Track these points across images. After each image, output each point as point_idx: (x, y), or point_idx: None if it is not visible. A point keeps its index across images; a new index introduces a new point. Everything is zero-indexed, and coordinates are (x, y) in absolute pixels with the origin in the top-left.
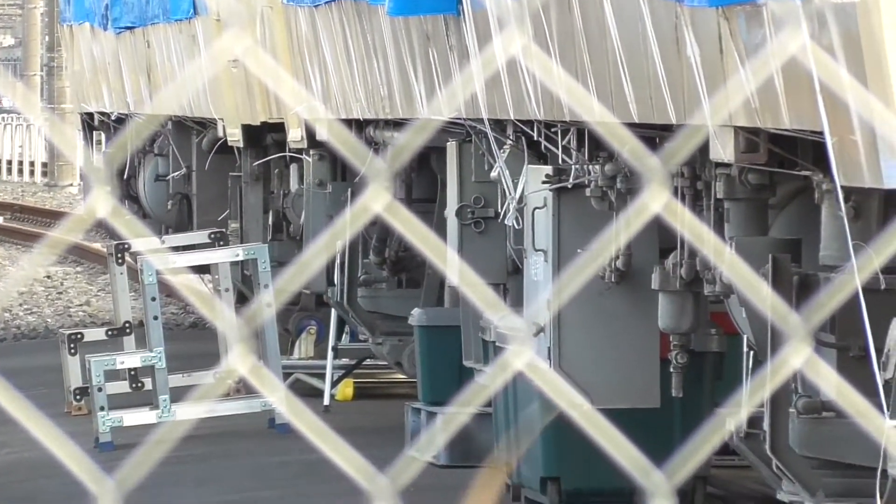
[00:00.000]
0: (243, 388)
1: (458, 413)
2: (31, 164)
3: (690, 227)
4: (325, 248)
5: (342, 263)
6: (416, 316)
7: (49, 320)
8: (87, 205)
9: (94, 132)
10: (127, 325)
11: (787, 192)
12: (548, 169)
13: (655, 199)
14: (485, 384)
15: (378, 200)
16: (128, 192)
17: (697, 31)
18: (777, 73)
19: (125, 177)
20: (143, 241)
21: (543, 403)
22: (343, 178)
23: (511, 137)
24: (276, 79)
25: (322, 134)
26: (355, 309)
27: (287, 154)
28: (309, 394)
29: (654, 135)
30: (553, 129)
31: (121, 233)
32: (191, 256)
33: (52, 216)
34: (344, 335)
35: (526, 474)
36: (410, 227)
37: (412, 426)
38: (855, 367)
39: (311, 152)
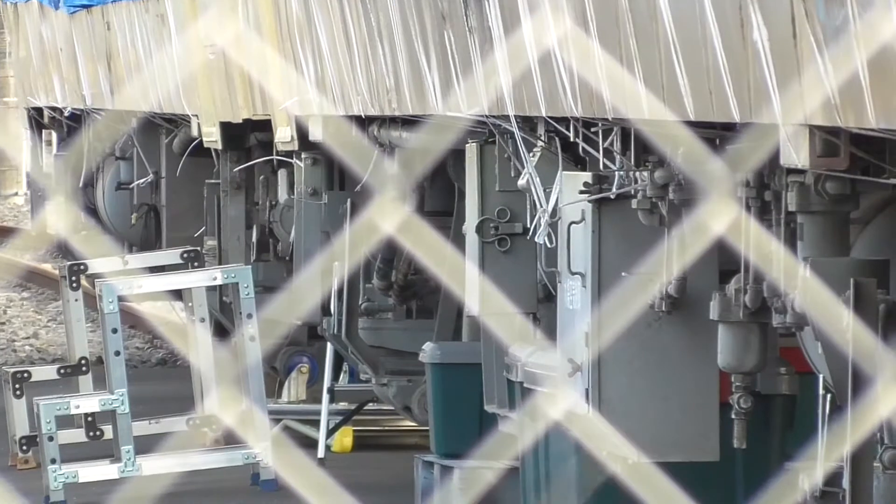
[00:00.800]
0: (223, 438)
1: (479, 468)
2: None
3: (757, 245)
4: (320, 272)
5: (340, 289)
6: (429, 351)
7: None
8: (36, 218)
9: (44, 131)
10: (83, 361)
11: (872, 203)
12: (587, 176)
13: (718, 216)
14: (511, 433)
15: (387, 214)
16: (84, 202)
17: (766, 11)
18: (862, 62)
19: (81, 184)
20: (103, 262)
21: (581, 457)
22: (341, 186)
23: (543, 138)
24: (262, 68)
25: (316, 134)
26: (355, 343)
27: (274, 158)
28: (301, 444)
29: (713, 135)
30: (593, 129)
31: (76, 251)
32: (159, 280)
33: None
34: (342, 375)
35: None
36: (422, 246)
37: (423, 483)
38: None
39: (303, 155)
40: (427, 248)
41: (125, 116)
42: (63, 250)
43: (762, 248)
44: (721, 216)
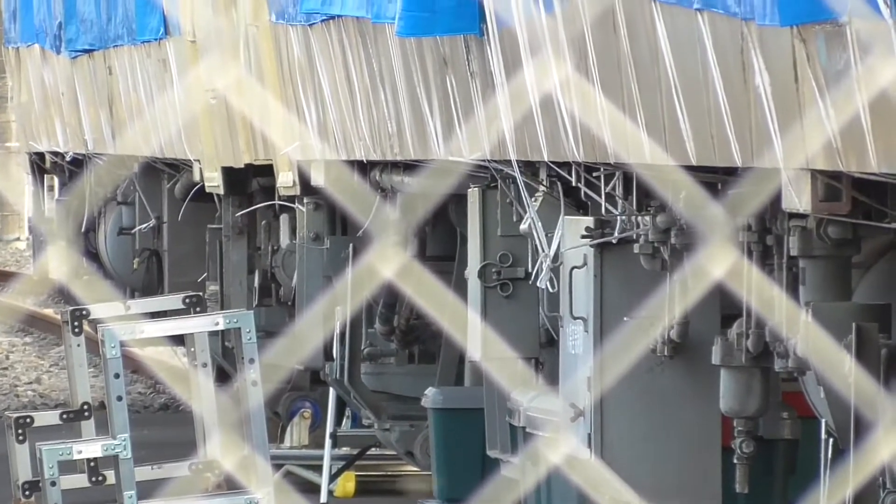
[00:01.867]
0: (225, 483)
1: None
2: None
3: (758, 290)
4: (322, 316)
5: (342, 334)
6: (431, 396)
7: None
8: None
9: (46, 176)
10: (85, 406)
11: (874, 248)
12: (588, 221)
13: (718, 261)
14: (513, 478)
15: (388, 260)
16: (86, 247)
17: (768, 55)
18: (863, 105)
19: (83, 229)
20: (105, 307)
21: (583, 502)
22: (343, 231)
23: (545, 183)
24: (263, 113)
25: (318, 179)
26: (358, 388)
27: (276, 202)
28: (303, 489)
29: (715, 180)
30: (595, 174)
31: (78, 297)
32: (161, 325)
33: None
34: (344, 420)
35: None
36: (424, 291)
37: None
38: None
39: (305, 200)
40: (428, 293)
41: (127, 161)
42: (65, 295)
43: (764, 292)
44: (722, 261)
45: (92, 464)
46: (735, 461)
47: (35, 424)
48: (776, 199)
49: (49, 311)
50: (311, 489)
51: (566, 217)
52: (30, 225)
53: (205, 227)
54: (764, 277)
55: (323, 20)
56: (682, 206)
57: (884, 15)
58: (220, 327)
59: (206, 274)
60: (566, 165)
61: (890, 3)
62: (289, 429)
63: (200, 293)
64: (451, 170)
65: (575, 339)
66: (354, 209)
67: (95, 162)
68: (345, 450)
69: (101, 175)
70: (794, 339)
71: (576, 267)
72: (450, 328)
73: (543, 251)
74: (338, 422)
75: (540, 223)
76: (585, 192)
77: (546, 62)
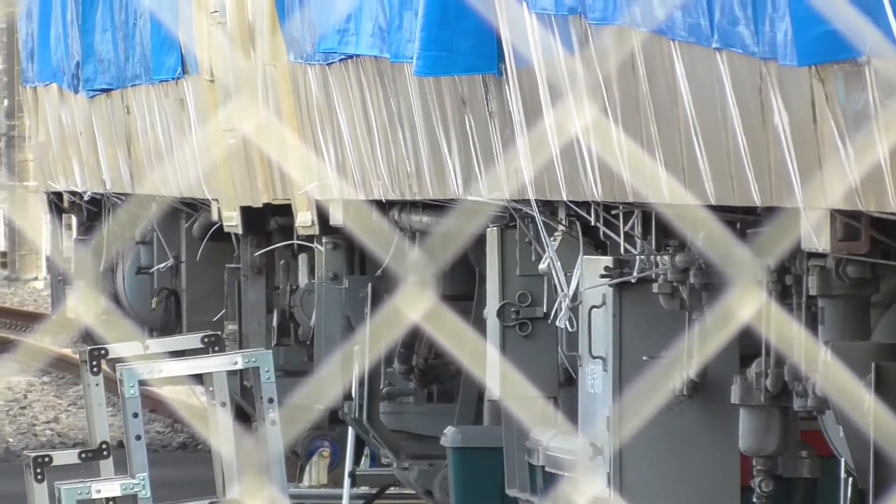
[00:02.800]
0: None
1: None
2: None
3: (778, 330)
4: (340, 356)
5: (361, 373)
6: (450, 435)
7: (10, 440)
8: (56, 303)
9: (64, 215)
10: (104, 446)
11: (892, 287)
12: (607, 260)
13: (740, 301)
14: None
15: (408, 299)
16: (105, 287)
17: (787, 95)
18: (883, 145)
19: (101, 269)
20: (123, 346)
21: None
22: (362, 270)
23: (564, 222)
24: (282, 152)
25: (337, 218)
26: (376, 427)
27: (295, 242)
28: None
29: (734, 219)
30: (614, 213)
31: (96, 336)
32: (180, 364)
33: (13, 316)
34: (363, 458)
35: None
36: (443, 330)
37: None
38: None
39: (324, 240)
40: (448, 332)
41: (145, 201)
42: (83, 335)
43: (783, 331)
44: (747, 302)
45: (111, 503)
46: (754, 500)
47: (54, 464)
48: (795, 239)
49: (67, 351)
50: None
51: (585, 256)
52: (48, 264)
53: (223, 267)
54: (783, 317)
55: (341, 59)
56: (702, 245)
57: None
58: (239, 367)
59: (224, 313)
60: (585, 205)
61: None
62: (308, 468)
63: (219, 332)
64: (473, 211)
65: (594, 378)
66: (373, 248)
67: (114, 201)
68: (363, 489)
69: (119, 215)
70: (813, 378)
71: (595, 306)
72: (469, 367)
73: (562, 290)
74: (356, 461)
75: (559, 262)
76: (604, 232)
77: (565, 102)
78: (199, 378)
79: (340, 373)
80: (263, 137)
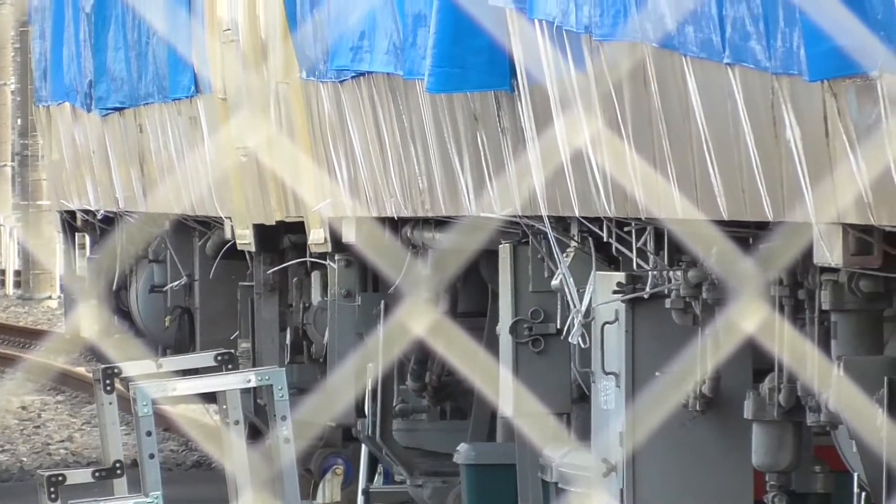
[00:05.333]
0: None
1: None
2: (2, 272)
3: (790, 345)
4: (354, 373)
5: (374, 390)
6: (464, 452)
7: (24, 459)
8: (70, 322)
9: (77, 234)
10: (118, 464)
11: None
12: (620, 276)
13: (748, 316)
14: None
15: (418, 317)
16: (118, 305)
17: (798, 110)
18: (895, 159)
19: (115, 288)
20: (137, 365)
21: None
22: (375, 288)
23: (576, 238)
24: (295, 170)
25: (349, 236)
26: (390, 444)
27: (308, 259)
28: None
29: (746, 234)
30: (626, 229)
31: (110, 355)
32: (193, 383)
33: (28, 335)
34: (376, 476)
35: None
36: (456, 347)
37: None
38: None
39: (337, 257)
40: (460, 350)
41: (158, 219)
42: (97, 354)
43: (795, 347)
44: (754, 316)
45: None
46: None
47: (67, 482)
48: (808, 254)
49: (81, 370)
50: None
51: (598, 272)
52: (61, 283)
53: (236, 285)
54: (795, 332)
55: (353, 77)
56: (714, 261)
57: None
58: (253, 384)
59: (237, 331)
60: (597, 221)
61: None
62: (321, 486)
63: (232, 350)
64: (482, 226)
65: (607, 394)
66: (385, 266)
67: (127, 220)
68: None
69: (132, 233)
70: (825, 394)
71: (607, 322)
72: (481, 384)
73: (575, 307)
74: (370, 478)
75: (571, 279)
76: (617, 248)
77: (577, 118)
78: (212, 396)
79: (353, 389)
80: (276, 156)
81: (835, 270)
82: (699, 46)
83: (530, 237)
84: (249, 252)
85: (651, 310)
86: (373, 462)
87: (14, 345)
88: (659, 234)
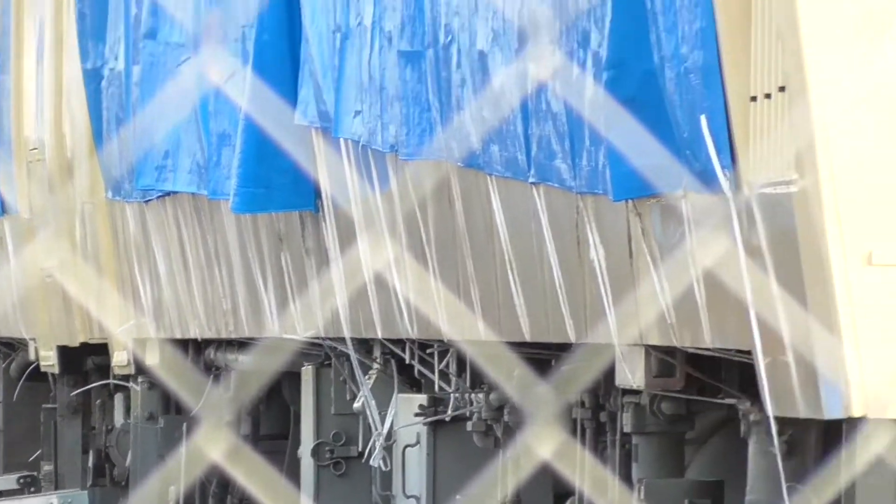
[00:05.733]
0: None
1: None
2: None
3: (590, 469)
4: (156, 496)
5: None
6: None
7: None
8: None
9: None
10: None
11: (707, 424)
12: (422, 398)
13: (545, 440)
14: None
15: (216, 442)
16: None
17: (603, 229)
18: (697, 280)
19: None
20: None
21: None
22: (177, 410)
23: (378, 360)
24: (98, 291)
25: (151, 359)
26: None
27: (111, 382)
28: None
29: (549, 356)
30: (429, 351)
31: None
32: None
33: None
34: None
35: None
36: (254, 472)
37: None
38: None
39: (140, 379)
40: (258, 474)
41: None
42: None
43: (595, 471)
44: (550, 441)
45: None
46: None
47: None
48: (610, 376)
49: None
50: None
51: (400, 395)
52: None
53: (39, 407)
54: (595, 456)
55: (159, 196)
56: (514, 384)
57: (723, 187)
58: None
59: (40, 452)
60: (400, 343)
61: (728, 175)
62: None
63: (35, 473)
64: (285, 347)
65: None
66: (185, 390)
67: None
68: None
69: None
70: None
71: (409, 445)
72: None
73: (377, 429)
74: None
75: (373, 401)
76: (419, 370)
77: (381, 238)
78: None
79: None
80: (78, 277)
81: (637, 392)
82: (504, 165)
83: (333, 359)
84: (53, 374)
85: (453, 432)
86: None
87: None
88: (461, 357)
